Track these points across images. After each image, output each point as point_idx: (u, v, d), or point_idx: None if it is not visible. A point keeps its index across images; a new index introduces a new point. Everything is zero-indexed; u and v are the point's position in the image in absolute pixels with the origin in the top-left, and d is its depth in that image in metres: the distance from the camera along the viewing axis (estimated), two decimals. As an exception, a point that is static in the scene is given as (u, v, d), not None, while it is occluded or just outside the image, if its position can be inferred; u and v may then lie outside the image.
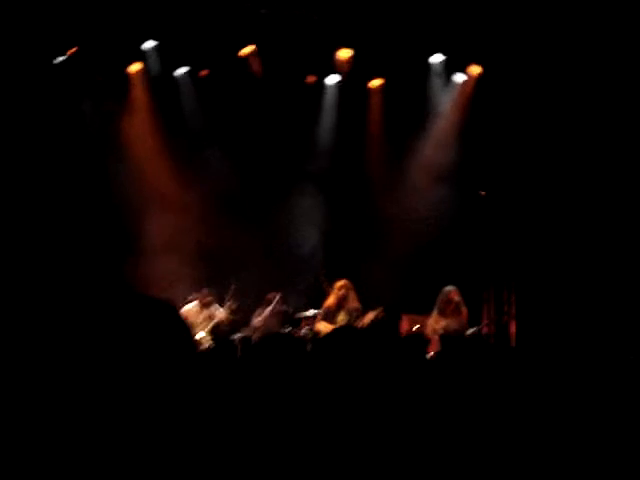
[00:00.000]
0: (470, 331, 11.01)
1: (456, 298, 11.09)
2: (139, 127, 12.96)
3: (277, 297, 12.05)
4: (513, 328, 12.38)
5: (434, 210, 12.59)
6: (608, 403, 3.95)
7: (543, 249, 12.37)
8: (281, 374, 3.44)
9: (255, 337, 11.35)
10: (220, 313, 11.85)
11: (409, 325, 11.38)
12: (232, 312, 11.84)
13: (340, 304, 11.53)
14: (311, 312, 11.74)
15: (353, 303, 11.55)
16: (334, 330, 3.34)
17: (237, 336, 11.45)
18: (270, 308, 11.97)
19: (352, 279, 11.72)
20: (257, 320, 11.95)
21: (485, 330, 12.12)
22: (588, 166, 12.20)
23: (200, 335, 11.53)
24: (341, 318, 11.39)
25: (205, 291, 11.91)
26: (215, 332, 11.72)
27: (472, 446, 3.25)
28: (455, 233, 12.88)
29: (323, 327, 11.19)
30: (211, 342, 11.51)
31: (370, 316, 11.23)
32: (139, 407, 2.09)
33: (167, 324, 2.22)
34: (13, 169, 11.82)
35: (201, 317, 11.76)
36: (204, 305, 11.87)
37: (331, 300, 11.59)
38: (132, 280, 11.39)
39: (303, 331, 11.52)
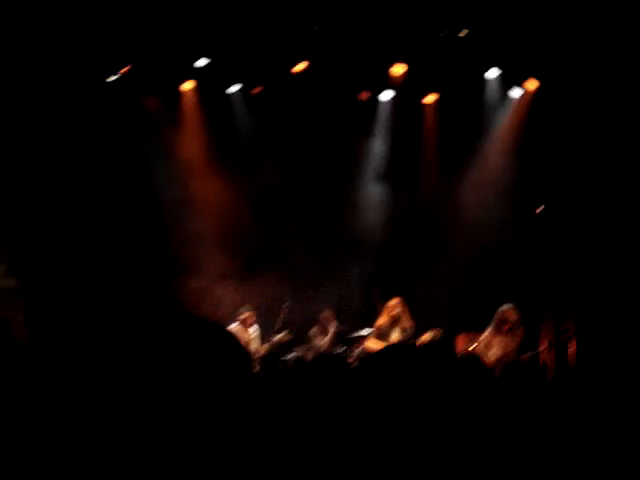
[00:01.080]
0: (527, 354, 10.78)
1: (513, 317, 10.87)
2: (192, 145, 12.99)
3: (332, 316, 11.96)
4: (573, 348, 12.13)
5: (491, 227, 12.44)
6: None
7: (601, 267, 12.16)
8: (331, 394, 3.35)
9: (309, 357, 11.30)
10: (259, 345, 11.81)
11: (465, 344, 11.22)
12: (272, 346, 11.78)
13: (393, 323, 11.40)
14: (365, 331, 11.63)
15: (407, 322, 11.41)
16: (386, 347, 3.14)
17: (292, 355, 11.44)
18: (333, 330, 11.91)
19: (407, 298, 11.60)
20: (320, 341, 11.86)
21: (543, 353, 11.90)
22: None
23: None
24: (395, 337, 11.27)
25: (245, 308, 11.85)
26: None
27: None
28: (512, 251, 12.71)
29: (375, 345, 11.04)
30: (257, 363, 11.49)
31: (428, 336, 11.09)
32: (196, 429, 2.09)
33: (227, 347, 2.22)
34: (67, 184, 11.91)
35: (242, 338, 11.69)
36: (243, 323, 11.77)
37: (384, 319, 11.47)
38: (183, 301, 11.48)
39: (357, 351, 11.43)
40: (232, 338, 2.25)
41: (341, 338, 11.94)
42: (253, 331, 11.87)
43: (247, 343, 11.58)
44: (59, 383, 2.64)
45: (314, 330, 12.01)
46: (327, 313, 12.03)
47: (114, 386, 2.11)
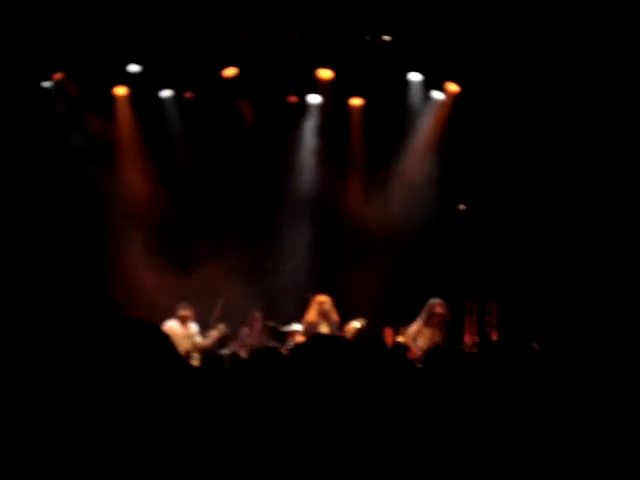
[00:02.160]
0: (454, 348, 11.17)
1: (441, 310, 11.24)
2: (124, 148, 13.20)
3: (259, 316, 12.16)
4: (495, 338, 12.53)
5: (415, 224, 12.78)
6: (594, 412, 3.97)
7: (522, 259, 12.59)
8: (268, 387, 3.46)
9: (242, 352, 11.50)
10: (201, 340, 11.89)
11: (392, 336, 11.52)
12: (213, 340, 11.87)
13: (322, 317, 11.74)
14: (296, 326, 11.93)
15: (335, 316, 11.76)
16: (315, 336, 3.28)
17: (225, 352, 11.61)
18: (258, 328, 12.09)
19: (335, 294, 11.95)
20: (247, 339, 12.03)
21: (468, 341, 12.27)
22: (564, 179, 12.47)
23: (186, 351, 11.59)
24: (324, 331, 11.58)
25: (184, 305, 11.92)
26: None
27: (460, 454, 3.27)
28: (436, 246, 13.10)
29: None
30: (198, 358, 11.62)
31: (353, 326, 11.45)
32: (132, 426, 2.09)
33: (153, 344, 2.20)
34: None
35: (182, 333, 11.79)
36: (182, 320, 11.87)
37: (312, 314, 11.79)
38: (115, 296, 11.59)
39: (289, 345, 11.67)
40: (161, 334, 2.25)
41: (273, 333, 12.22)
42: (193, 327, 11.95)
43: (187, 338, 11.74)
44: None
45: (244, 328, 12.19)
46: (256, 314, 12.20)
47: (42, 388, 2.10)
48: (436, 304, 11.23)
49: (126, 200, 12.88)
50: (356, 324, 11.48)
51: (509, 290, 12.47)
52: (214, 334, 11.83)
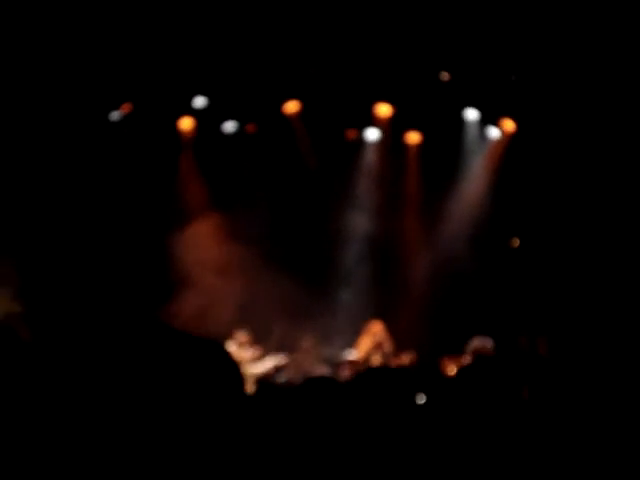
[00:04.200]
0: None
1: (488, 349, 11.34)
2: (189, 183, 13.61)
3: (310, 342, 12.34)
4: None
5: (467, 260, 12.95)
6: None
7: (574, 301, 12.65)
8: (324, 414, 3.38)
9: (297, 380, 11.63)
10: (257, 367, 11.94)
11: (450, 367, 11.56)
12: (268, 368, 11.95)
13: (376, 346, 11.91)
14: (349, 354, 12.10)
15: (388, 346, 11.92)
16: (369, 369, 3.39)
17: (282, 379, 11.83)
18: (309, 354, 12.29)
19: (389, 324, 12.16)
20: (300, 365, 12.20)
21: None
22: (620, 223, 12.53)
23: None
24: (376, 360, 11.72)
25: (241, 332, 12.04)
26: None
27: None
28: (488, 284, 13.22)
29: (359, 369, 11.49)
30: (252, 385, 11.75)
31: (404, 359, 11.60)
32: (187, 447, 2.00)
33: (219, 363, 2.15)
34: (70, 209, 12.47)
35: (239, 359, 11.89)
36: (240, 345, 11.90)
37: (366, 342, 11.96)
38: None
39: (343, 374, 11.82)
40: (227, 356, 2.18)
41: (327, 361, 12.42)
42: (250, 353, 12.01)
43: (244, 364, 11.87)
44: (54, 392, 2.83)
45: (296, 355, 12.39)
46: (306, 339, 12.44)
47: (104, 401, 2.06)
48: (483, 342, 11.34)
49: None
50: (407, 357, 11.62)
51: (562, 330, 12.50)
52: (269, 362, 11.97)
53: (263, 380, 11.70)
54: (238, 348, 11.89)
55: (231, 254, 13.04)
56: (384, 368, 4.00)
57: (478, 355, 10.48)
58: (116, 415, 2.02)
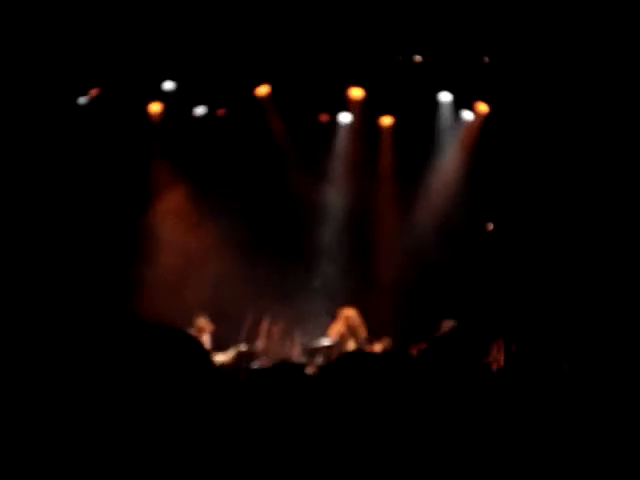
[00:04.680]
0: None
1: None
2: (159, 166, 13.45)
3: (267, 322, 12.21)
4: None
5: (442, 243, 12.89)
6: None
7: (548, 277, 12.64)
8: (289, 401, 3.34)
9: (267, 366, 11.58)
10: (222, 356, 11.82)
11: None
12: (235, 356, 11.86)
13: (350, 332, 11.86)
14: (324, 341, 12.04)
15: (362, 331, 11.88)
16: (345, 354, 3.20)
17: (255, 365, 11.70)
18: (272, 336, 12.22)
19: (362, 309, 12.09)
20: (267, 350, 12.14)
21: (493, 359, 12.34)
22: (596, 203, 12.51)
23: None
24: (351, 346, 11.71)
25: (201, 318, 11.93)
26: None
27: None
28: (461, 266, 13.17)
29: (333, 355, 11.45)
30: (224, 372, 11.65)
31: (379, 346, 11.56)
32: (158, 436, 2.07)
33: (188, 351, 2.19)
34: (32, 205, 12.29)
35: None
36: (199, 331, 11.79)
37: (340, 328, 11.91)
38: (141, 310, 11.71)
39: (318, 359, 11.79)
40: (195, 342, 2.23)
41: (302, 348, 12.32)
42: (207, 340, 11.92)
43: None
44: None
45: (260, 341, 12.22)
46: (264, 321, 12.24)
47: (71, 392, 2.08)
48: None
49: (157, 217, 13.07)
50: (381, 343, 11.59)
51: (536, 313, 12.50)
52: (231, 352, 11.86)
53: (225, 369, 11.62)
54: (197, 334, 11.81)
55: (203, 236, 13.00)
56: (358, 352, 3.93)
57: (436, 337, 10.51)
58: (91, 404, 2.03)
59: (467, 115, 13.51)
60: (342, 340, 11.86)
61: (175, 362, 2.14)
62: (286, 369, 3.72)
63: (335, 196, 13.75)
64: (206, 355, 2.25)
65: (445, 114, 13.44)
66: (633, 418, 4.01)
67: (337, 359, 3.06)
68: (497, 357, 12.49)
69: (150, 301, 11.74)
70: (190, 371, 2.15)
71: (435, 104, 13.38)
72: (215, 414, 2.22)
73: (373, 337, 11.86)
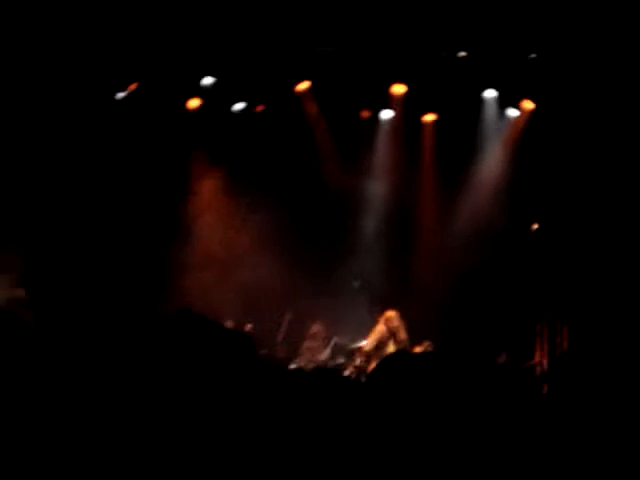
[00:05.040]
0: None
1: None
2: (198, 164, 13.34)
3: (320, 328, 12.20)
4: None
5: (486, 244, 12.69)
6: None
7: (595, 281, 12.42)
8: (329, 406, 3.36)
9: (309, 368, 11.50)
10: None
11: None
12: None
13: (390, 335, 11.71)
14: (364, 343, 11.89)
15: (403, 334, 11.71)
16: (386, 357, 3.21)
17: (292, 367, 11.62)
18: (320, 340, 12.13)
19: (404, 311, 11.90)
20: (312, 353, 12.07)
21: (539, 365, 12.18)
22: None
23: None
24: (391, 349, 11.54)
25: (249, 326, 11.91)
26: None
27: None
28: (508, 265, 12.95)
29: (373, 357, 11.35)
30: None
31: (419, 349, 11.37)
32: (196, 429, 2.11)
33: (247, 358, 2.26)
34: (73, 195, 12.27)
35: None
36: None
37: (381, 330, 11.77)
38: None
39: (357, 362, 11.68)
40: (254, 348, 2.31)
41: (340, 349, 12.19)
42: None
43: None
44: (65, 381, 2.59)
45: (307, 342, 12.26)
46: (318, 327, 12.27)
47: (119, 386, 2.14)
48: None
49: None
50: (422, 347, 11.43)
51: (582, 311, 12.31)
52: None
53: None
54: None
55: (242, 233, 13.01)
56: (401, 353, 3.91)
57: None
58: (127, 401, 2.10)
59: (512, 113, 13.24)
60: (382, 342, 11.69)
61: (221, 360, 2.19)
62: (324, 374, 3.77)
63: (376, 195, 13.54)
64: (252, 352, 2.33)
65: (490, 112, 13.19)
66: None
67: (380, 362, 3.02)
68: (541, 360, 12.30)
69: (188, 298, 11.67)
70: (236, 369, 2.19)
71: (479, 101, 13.12)
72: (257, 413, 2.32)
73: (414, 340, 11.66)
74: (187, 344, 2.20)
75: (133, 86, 12.71)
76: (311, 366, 11.53)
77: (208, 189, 13.35)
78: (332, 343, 12.22)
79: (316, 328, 12.25)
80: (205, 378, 2.14)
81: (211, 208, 13.25)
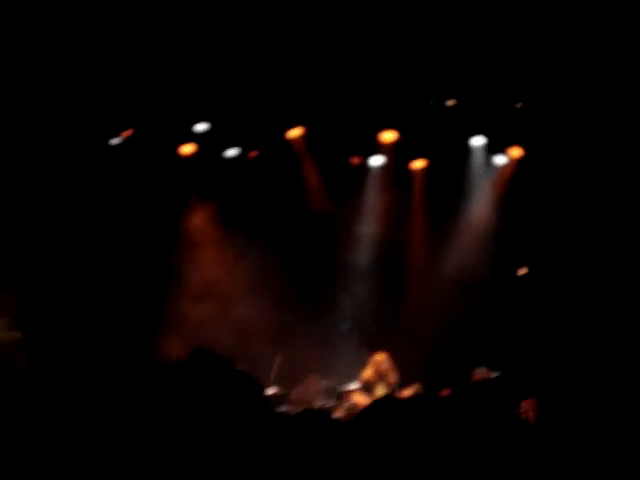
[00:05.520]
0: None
1: None
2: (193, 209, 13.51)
3: (316, 379, 12.20)
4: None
5: (473, 290, 12.79)
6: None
7: (582, 330, 12.48)
8: (316, 448, 3.36)
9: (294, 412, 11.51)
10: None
11: None
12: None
13: (380, 377, 11.77)
14: (353, 385, 11.94)
15: (393, 377, 11.78)
16: (374, 402, 3.25)
17: (280, 410, 11.61)
18: (313, 389, 12.12)
19: (394, 353, 11.98)
20: (301, 398, 12.06)
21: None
22: (632, 252, 12.39)
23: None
24: (380, 391, 11.60)
25: (242, 367, 11.79)
26: None
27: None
28: (493, 312, 13.07)
29: (362, 400, 11.38)
30: None
31: (409, 391, 11.43)
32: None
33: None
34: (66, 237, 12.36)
35: None
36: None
37: (370, 373, 11.83)
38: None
39: (346, 405, 11.69)
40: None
41: (329, 391, 12.20)
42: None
43: None
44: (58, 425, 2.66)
45: (299, 388, 12.21)
46: (312, 376, 12.25)
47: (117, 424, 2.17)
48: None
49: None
50: (411, 389, 11.47)
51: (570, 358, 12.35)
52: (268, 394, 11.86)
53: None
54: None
55: (234, 276, 13.04)
56: (388, 399, 3.91)
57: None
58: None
59: (500, 160, 13.41)
60: (371, 385, 11.76)
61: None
62: (313, 416, 3.73)
63: (366, 241, 13.65)
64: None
65: (478, 158, 13.36)
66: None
67: (368, 407, 3.07)
68: (528, 410, 12.31)
69: (177, 340, 11.73)
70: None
71: (468, 148, 13.29)
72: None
73: (404, 383, 11.72)
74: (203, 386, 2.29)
75: (127, 132, 12.81)
76: (299, 409, 11.48)
77: (201, 229, 13.42)
78: (322, 387, 12.24)
79: (313, 378, 12.22)
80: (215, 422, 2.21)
81: (204, 247, 13.30)
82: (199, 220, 13.44)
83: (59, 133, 12.11)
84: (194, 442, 2.16)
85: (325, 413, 4.21)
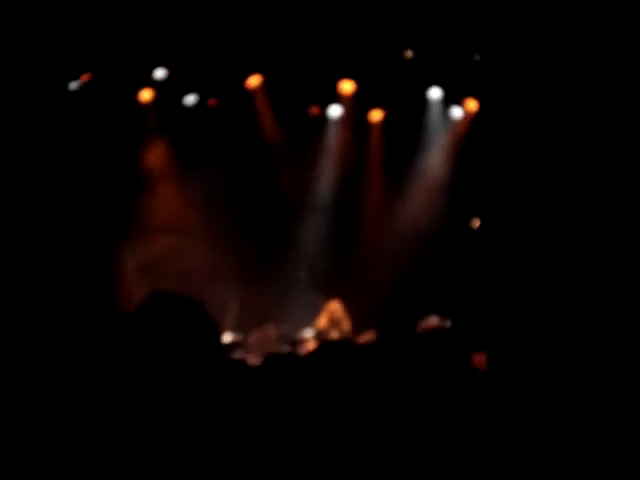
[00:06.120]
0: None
1: None
2: (152, 154, 13.50)
3: (273, 328, 12.26)
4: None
5: (428, 238, 12.96)
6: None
7: (535, 278, 12.68)
8: (279, 393, 3.28)
9: (251, 359, 11.59)
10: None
11: None
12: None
13: (333, 324, 11.92)
14: (308, 332, 12.11)
15: (346, 324, 11.93)
16: (326, 342, 3.24)
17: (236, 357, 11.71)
18: (270, 338, 12.22)
19: (347, 301, 12.12)
20: (257, 346, 12.15)
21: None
22: (590, 203, 12.56)
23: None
24: (334, 338, 11.75)
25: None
26: None
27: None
28: (447, 261, 13.23)
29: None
30: None
31: (363, 338, 11.60)
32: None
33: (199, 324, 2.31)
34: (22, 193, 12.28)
35: None
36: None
37: (324, 320, 11.97)
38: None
39: (300, 351, 11.80)
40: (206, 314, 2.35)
41: (284, 339, 12.35)
42: None
43: None
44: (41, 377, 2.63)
45: (254, 335, 12.27)
46: (270, 326, 12.32)
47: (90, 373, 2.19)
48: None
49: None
50: (366, 336, 11.62)
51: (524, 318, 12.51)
52: (226, 338, 11.90)
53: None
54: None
55: (190, 221, 13.08)
56: (341, 342, 3.88)
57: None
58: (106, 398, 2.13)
59: (457, 112, 13.52)
60: (325, 332, 11.90)
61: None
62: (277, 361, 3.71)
63: (324, 189, 13.78)
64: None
65: (435, 110, 13.46)
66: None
67: (319, 346, 3.09)
68: (479, 363, 12.55)
69: (133, 287, 11.78)
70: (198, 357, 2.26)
71: (425, 100, 13.39)
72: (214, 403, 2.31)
73: (357, 330, 11.89)
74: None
75: (86, 76, 12.74)
76: (253, 357, 11.62)
77: (158, 178, 13.46)
78: (278, 334, 12.35)
79: (268, 326, 12.28)
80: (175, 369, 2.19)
81: (159, 196, 13.35)
82: (155, 159, 13.45)
83: (18, 76, 11.99)
84: (155, 391, 2.19)
85: (288, 356, 4.21)
